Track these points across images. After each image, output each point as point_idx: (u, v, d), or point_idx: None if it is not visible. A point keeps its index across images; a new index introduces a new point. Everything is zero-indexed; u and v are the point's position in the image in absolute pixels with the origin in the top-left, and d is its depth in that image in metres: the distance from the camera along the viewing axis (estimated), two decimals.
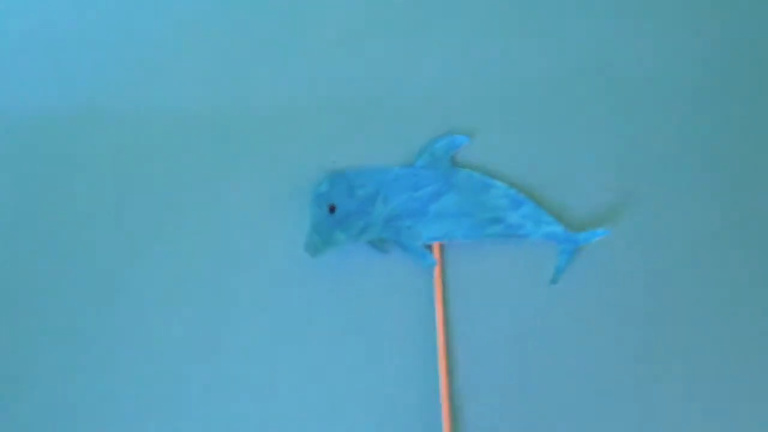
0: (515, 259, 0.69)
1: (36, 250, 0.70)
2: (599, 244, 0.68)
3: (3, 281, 0.69)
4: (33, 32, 0.74)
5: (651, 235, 0.69)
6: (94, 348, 0.68)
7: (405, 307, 0.68)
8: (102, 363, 0.67)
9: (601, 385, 0.67)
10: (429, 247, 0.69)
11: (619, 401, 0.66)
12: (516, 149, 0.71)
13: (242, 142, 0.71)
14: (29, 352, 0.68)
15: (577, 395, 0.66)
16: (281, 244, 0.69)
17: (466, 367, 0.67)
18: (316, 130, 0.71)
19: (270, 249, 0.69)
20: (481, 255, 0.69)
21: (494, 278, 0.69)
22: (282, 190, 0.70)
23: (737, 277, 0.69)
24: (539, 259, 0.69)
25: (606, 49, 0.73)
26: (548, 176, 0.70)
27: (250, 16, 0.74)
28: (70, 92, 0.72)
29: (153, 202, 0.70)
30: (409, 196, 0.69)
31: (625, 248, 0.69)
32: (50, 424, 0.66)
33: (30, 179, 0.71)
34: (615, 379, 0.67)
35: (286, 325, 0.68)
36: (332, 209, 0.69)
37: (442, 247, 0.69)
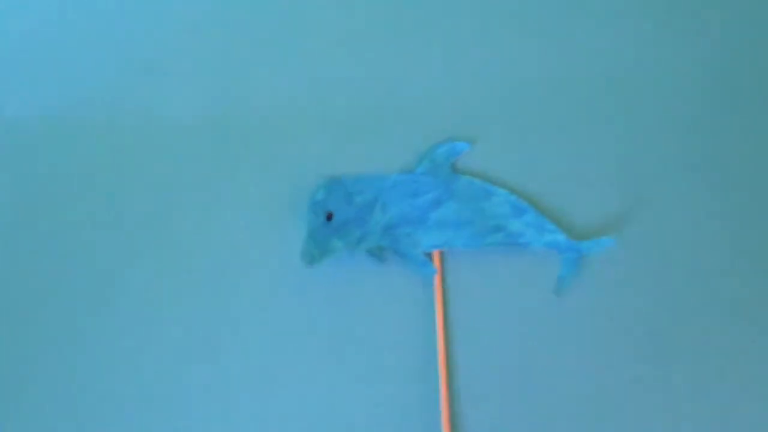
0: (517, 268, 0.68)
1: (34, 255, 0.69)
2: (604, 253, 0.67)
3: (2, 283, 0.69)
4: (33, 34, 0.74)
5: (658, 244, 0.68)
6: (90, 352, 0.67)
7: (404, 317, 0.67)
8: (98, 368, 0.66)
9: (606, 401, 0.65)
10: (429, 256, 0.68)
11: (624, 417, 0.65)
12: (518, 155, 0.70)
13: (240, 148, 0.71)
14: (27, 356, 0.67)
15: (580, 410, 0.65)
16: (278, 252, 0.68)
17: (467, 379, 0.66)
18: (315, 136, 0.71)
19: (266, 257, 0.68)
20: (481, 264, 0.68)
21: (495, 288, 0.67)
22: (279, 196, 0.69)
23: (748, 287, 0.67)
24: (541, 268, 0.68)
25: (610, 54, 0.72)
26: (551, 183, 0.69)
27: (249, 20, 0.74)
28: (67, 94, 0.72)
29: (149, 207, 0.69)
30: (409, 204, 0.68)
31: (630, 257, 0.67)
32: (48, 426, 0.65)
33: (28, 182, 0.71)
34: (620, 394, 0.65)
35: (283, 334, 0.67)
36: (329, 217, 0.67)
37: (442, 256, 0.68)
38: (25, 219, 0.70)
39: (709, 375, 0.65)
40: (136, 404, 0.66)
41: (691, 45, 0.72)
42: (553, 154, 0.70)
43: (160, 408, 0.66)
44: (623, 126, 0.70)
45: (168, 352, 0.67)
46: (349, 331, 0.67)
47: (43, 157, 0.71)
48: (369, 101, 0.71)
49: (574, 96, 0.71)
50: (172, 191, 0.70)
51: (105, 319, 0.67)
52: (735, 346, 0.66)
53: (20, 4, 0.74)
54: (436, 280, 0.67)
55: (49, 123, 0.72)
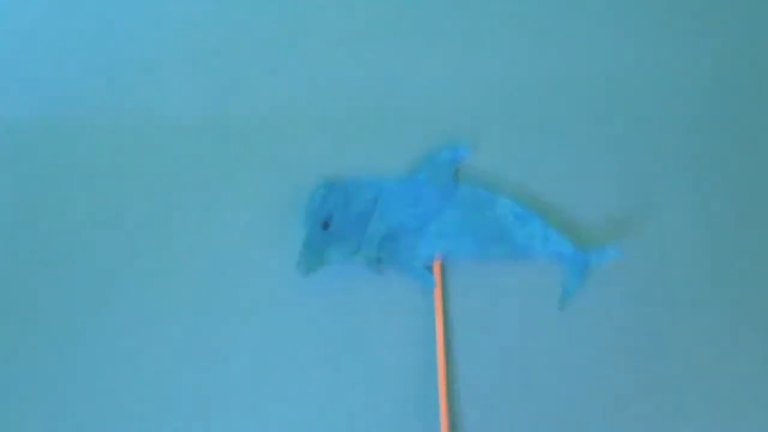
0: (521, 280, 0.66)
1: (29, 256, 0.69)
2: (611, 264, 0.65)
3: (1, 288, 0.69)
4: (32, 34, 0.74)
5: (666, 251, 0.66)
6: (87, 355, 0.66)
7: (403, 330, 0.65)
8: (95, 372, 0.66)
9: (612, 417, 0.64)
10: (429, 267, 0.66)
11: None
12: (521, 160, 0.69)
13: (239, 149, 0.70)
14: (22, 357, 0.66)
15: (585, 427, 0.63)
16: (276, 258, 0.67)
17: (468, 394, 0.64)
18: (314, 137, 0.70)
19: (264, 262, 0.67)
20: (484, 275, 0.66)
21: (498, 300, 0.66)
22: (278, 199, 0.68)
23: (764, 298, 0.65)
24: (547, 280, 0.66)
25: (615, 56, 0.71)
26: (556, 190, 0.68)
27: (248, 21, 0.73)
28: (65, 94, 0.72)
29: (146, 208, 0.69)
30: (409, 212, 0.67)
31: (637, 266, 0.66)
32: (46, 425, 0.65)
33: (24, 184, 0.70)
34: (626, 409, 0.64)
35: (279, 343, 0.66)
36: (326, 225, 0.66)
37: (443, 267, 0.66)
38: (21, 221, 0.70)
39: (720, 389, 0.64)
40: (132, 408, 0.65)
41: (699, 46, 0.71)
42: (558, 159, 0.69)
43: (157, 413, 0.65)
44: (630, 130, 0.69)
45: (164, 357, 0.66)
46: (346, 344, 0.65)
47: (40, 158, 0.71)
48: (369, 102, 0.70)
49: (578, 99, 0.70)
50: (168, 193, 0.69)
51: (102, 321, 0.67)
52: (748, 359, 0.64)
53: (18, 4, 0.75)
54: (437, 292, 0.65)
55: (46, 123, 0.72)
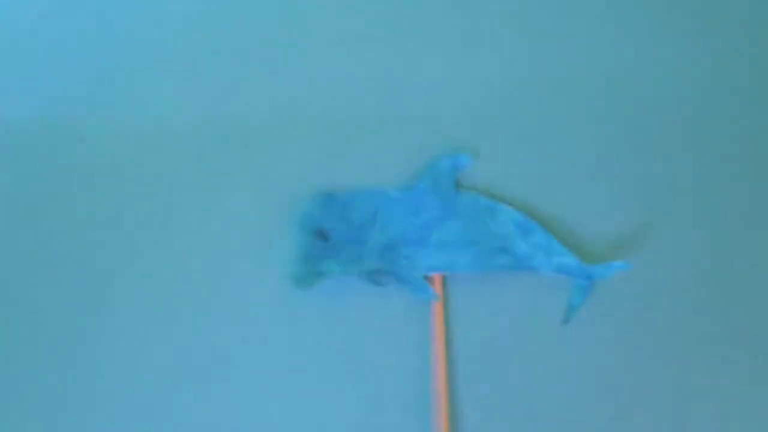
0: (524, 293, 0.65)
1: (13, 268, 0.67)
2: (618, 278, 0.64)
3: None
4: (28, 35, 0.73)
5: (675, 266, 0.65)
6: (74, 377, 0.65)
7: (402, 345, 0.64)
8: (86, 394, 0.64)
9: None
10: (429, 280, 0.65)
11: None
12: (524, 168, 0.67)
13: (232, 158, 0.68)
14: (13, 370, 0.65)
15: None
16: (270, 272, 0.65)
17: (469, 412, 0.63)
18: (311, 146, 0.68)
19: (258, 276, 0.65)
20: (486, 288, 0.65)
21: (500, 314, 0.64)
22: (272, 212, 0.66)
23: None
24: (550, 294, 0.64)
25: (623, 62, 0.70)
26: (560, 200, 0.67)
27: (243, 26, 0.72)
28: (61, 98, 0.71)
29: (137, 218, 0.68)
30: (409, 222, 0.65)
31: (645, 280, 0.65)
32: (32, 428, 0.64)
33: (19, 190, 0.69)
34: (633, 430, 0.62)
35: (274, 359, 0.64)
36: (323, 236, 0.64)
37: (443, 280, 0.65)
38: (14, 223, 0.68)
39: (728, 407, 0.63)
40: (126, 416, 0.63)
41: (708, 51, 0.70)
42: (562, 168, 0.67)
43: (151, 423, 0.63)
44: (638, 138, 0.68)
45: (155, 376, 0.64)
46: (342, 359, 0.64)
47: (36, 160, 0.70)
48: (368, 109, 0.69)
49: (583, 106, 0.69)
50: (157, 204, 0.68)
51: (94, 328, 0.65)
52: (757, 375, 0.63)
53: (16, 4, 0.73)
54: (437, 305, 0.64)
55: (42, 124, 0.71)
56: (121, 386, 0.64)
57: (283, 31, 0.71)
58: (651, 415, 0.62)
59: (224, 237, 0.66)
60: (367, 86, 0.69)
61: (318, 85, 0.69)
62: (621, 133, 0.68)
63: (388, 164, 0.67)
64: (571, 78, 0.69)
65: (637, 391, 0.63)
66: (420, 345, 0.64)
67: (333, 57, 0.70)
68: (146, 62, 0.71)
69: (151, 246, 0.66)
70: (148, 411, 0.63)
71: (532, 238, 0.65)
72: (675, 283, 0.65)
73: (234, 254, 0.66)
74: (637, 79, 0.69)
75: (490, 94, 0.69)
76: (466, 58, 0.70)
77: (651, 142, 0.68)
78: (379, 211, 0.65)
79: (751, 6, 0.70)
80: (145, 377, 0.64)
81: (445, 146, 0.68)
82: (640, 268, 0.64)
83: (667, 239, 0.66)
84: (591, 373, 0.63)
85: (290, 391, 0.63)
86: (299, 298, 0.64)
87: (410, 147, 0.68)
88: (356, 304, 0.64)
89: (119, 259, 0.66)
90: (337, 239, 0.64)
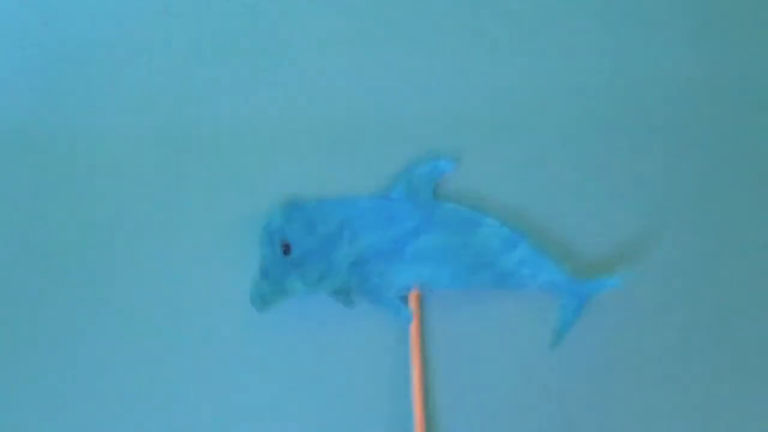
0: (509, 313, 0.61)
1: None
2: (612, 295, 0.61)
3: None
4: None
5: (674, 281, 0.62)
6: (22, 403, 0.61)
7: (375, 372, 0.60)
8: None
9: None
10: (404, 298, 0.61)
11: None
12: (510, 176, 0.64)
13: (192, 167, 0.64)
14: None
15: None
16: (228, 291, 0.61)
17: None
18: (273, 152, 0.64)
19: (214, 297, 0.61)
20: (467, 308, 0.61)
21: (483, 336, 0.61)
22: (231, 224, 0.63)
23: None
24: (538, 313, 0.61)
25: (619, 59, 0.66)
26: (550, 211, 0.63)
27: (208, 25, 0.66)
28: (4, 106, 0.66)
29: (80, 233, 0.63)
30: (382, 235, 0.61)
31: (642, 297, 0.62)
32: None
33: None
34: None
35: (232, 390, 0.60)
36: (286, 250, 0.60)
37: (420, 298, 0.61)
38: None
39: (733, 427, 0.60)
40: None
41: (709, 54, 0.66)
42: (551, 175, 0.64)
43: None
44: (634, 145, 0.65)
45: (103, 403, 0.60)
46: (309, 387, 0.60)
47: None
48: (336, 111, 0.65)
49: (576, 108, 0.65)
50: (107, 215, 0.63)
51: (24, 369, 0.61)
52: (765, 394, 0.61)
53: None
54: (413, 327, 0.60)
55: None
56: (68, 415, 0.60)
57: (250, 31, 0.66)
58: None
59: (179, 254, 0.62)
60: (335, 86, 0.65)
61: (281, 85, 0.65)
62: (616, 138, 0.65)
63: (359, 170, 0.63)
64: (563, 77, 0.66)
65: (635, 420, 0.60)
66: (395, 371, 0.60)
67: (302, 59, 0.66)
68: (95, 61, 0.66)
69: (93, 260, 0.62)
70: None
71: (518, 252, 0.61)
72: (676, 301, 0.62)
73: (184, 272, 0.62)
74: (638, 74, 0.66)
75: (473, 92, 0.65)
76: (445, 53, 0.66)
77: (648, 148, 0.65)
78: (349, 222, 0.61)
79: (752, 8, 0.67)
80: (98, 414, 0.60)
81: (422, 150, 0.64)
82: (637, 284, 0.61)
83: (666, 252, 0.63)
84: (583, 401, 0.60)
85: (250, 423, 0.60)
86: (258, 320, 0.60)
87: (383, 151, 0.64)
88: (323, 326, 0.61)
89: (54, 282, 0.62)
90: (302, 253, 0.60)
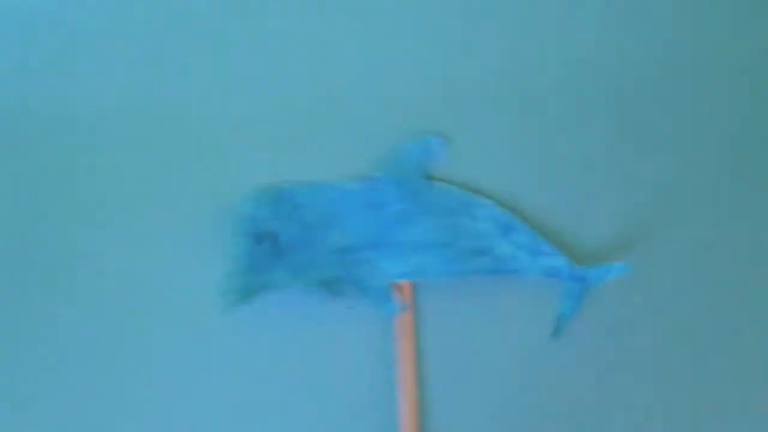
0: (506, 301, 0.59)
1: None
2: (616, 283, 0.59)
3: None
4: None
5: (676, 268, 0.60)
6: None
7: (366, 366, 0.58)
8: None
9: None
10: (396, 288, 0.58)
11: None
12: (505, 157, 0.61)
13: (159, 152, 0.61)
14: None
15: None
16: (205, 285, 0.58)
17: None
18: (253, 135, 0.61)
19: (190, 290, 0.59)
20: (462, 297, 0.59)
21: (479, 327, 0.59)
22: (208, 214, 0.60)
23: None
24: (537, 302, 0.59)
25: (620, 37, 0.64)
26: (549, 193, 0.61)
27: (177, 4, 0.63)
28: None
29: (46, 222, 0.60)
30: (369, 221, 0.59)
31: (644, 285, 0.60)
32: None
33: None
34: None
35: (209, 392, 0.58)
36: (268, 240, 0.57)
37: (412, 288, 0.59)
38: None
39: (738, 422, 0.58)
40: None
41: (709, 46, 0.64)
42: (551, 156, 0.62)
43: None
44: (636, 124, 0.62)
45: (66, 403, 0.58)
46: (294, 385, 0.58)
47: None
48: (320, 88, 0.62)
49: (576, 85, 0.63)
50: (75, 203, 0.60)
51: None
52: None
53: None
54: (405, 318, 0.58)
55: None
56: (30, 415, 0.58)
57: (224, 7, 0.63)
58: None
59: (149, 244, 0.59)
60: (319, 62, 0.62)
61: (261, 61, 0.62)
62: (619, 119, 0.62)
63: (344, 152, 0.61)
64: (562, 52, 0.63)
65: (637, 412, 0.58)
66: (386, 365, 0.58)
67: (278, 34, 0.63)
68: (63, 42, 0.62)
69: (63, 250, 0.59)
70: None
71: (516, 236, 0.59)
72: (681, 288, 0.60)
73: (161, 264, 0.59)
74: (639, 54, 0.64)
75: (464, 68, 0.62)
76: (436, 26, 0.63)
77: (653, 129, 0.62)
78: (334, 208, 0.59)
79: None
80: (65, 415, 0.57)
81: (411, 129, 0.61)
82: (642, 271, 0.59)
83: (672, 236, 0.61)
84: (584, 393, 0.58)
85: (230, 425, 0.57)
86: (241, 315, 0.57)
87: (371, 131, 0.61)
88: (309, 321, 0.58)
89: (24, 264, 0.59)
90: (285, 243, 0.57)
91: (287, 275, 0.56)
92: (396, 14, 0.63)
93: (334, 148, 0.61)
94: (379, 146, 0.61)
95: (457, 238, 0.58)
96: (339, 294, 0.57)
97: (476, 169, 0.61)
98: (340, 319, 0.58)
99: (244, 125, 0.61)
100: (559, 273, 0.58)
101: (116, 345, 0.58)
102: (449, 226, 0.59)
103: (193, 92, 0.61)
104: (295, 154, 0.61)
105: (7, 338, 0.58)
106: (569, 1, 0.63)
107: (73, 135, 0.61)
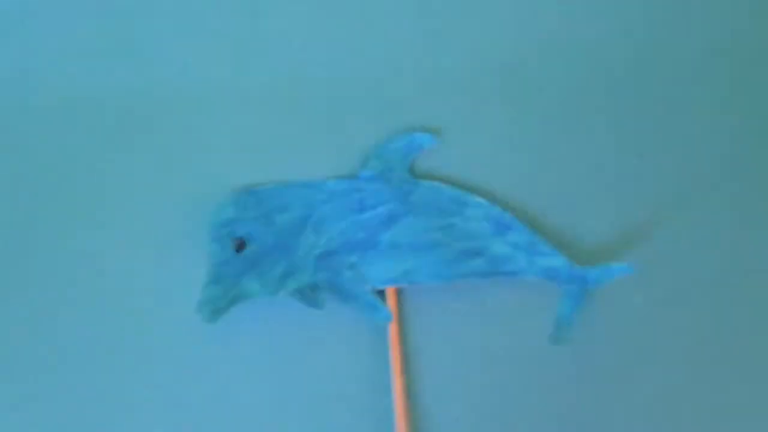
0: (502, 305, 0.57)
1: None
2: (618, 284, 0.56)
3: None
4: None
5: (682, 269, 0.58)
6: None
7: (350, 380, 0.55)
8: None
9: None
10: (381, 295, 0.56)
11: None
12: (500, 153, 0.59)
13: (123, 147, 0.59)
14: None
15: None
16: (176, 294, 0.56)
17: None
18: (224, 130, 0.59)
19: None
20: (454, 302, 0.56)
21: (473, 334, 0.56)
22: (181, 217, 0.58)
23: None
24: (534, 305, 0.57)
25: (623, 24, 0.62)
26: (546, 190, 0.59)
27: None
28: None
29: (14, 215, 0.58)
30: (353, 222, 0.56)
31: (648, 287, 0.57)
32: None
33: None
34: None
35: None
36: (240, 246, 0.55)
37: (399, 294, 0.56)
38: None
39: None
40: None
41: (710, 42, 0.62)
42: (548, 152, 0.59)
43: None
44: (640, 115, 0.60)
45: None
46: (276, 400, 0.55)
47: None
48: (298, 83, 0.59)
49: (575, 77, 0.60)
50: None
51: None
52: None
53: None
54: (392, 327, 0.55)
55: None
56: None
57: (205, 3, 0.61)
58: None
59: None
60: (300, 55, 0.60)
61: (241, 56, 0.60)
62: (622, 112, 0.60)
63: (324, 148, 0.58)
64: (560, 43, 0.61)
65: (640, 420, 0.56)
66: (372, 378, 0.55)
67: (259, 25, 0.60)
68: (29, 25, 0.61)
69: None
70: None
71: (511, 236, 0.56)
72: (686, 290, 0.57)
73: (124, 273, 0.57)
74: (642, 41, 0.61)
75: (456, 58, 0.60)
76: (425, 16, 0.61)
77: (657, 122, 0.60)
78: (313, 209, 0.56)
79: None
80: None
81: (397, 123, 0.59)
82: (645, 272, 0.57)
83: (676, 236, 0.58)
84: (583, 402, 0.56)
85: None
86: (211, 330, 0.55)
87: (354, 126, 0.59)
88: (287, 333, 0.56)
89: None
90: (258, 249, 0.54)
91: (261, 285, 0.53)
92: (383, 4, 0.60)
93: (316, 145, 0.58)
94: (363, 142, 0.58)
95: (449, 239, 0.56)
96: (317, 305, 0.55)
97: (469, 165, 0.59)
98: (324, 330, 0.56)
99: (216, 122, 0.59)
100: (558, 274, 0.55)
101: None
102: (440, 226, 0.56)
103: (166, 86, 0.59)
104: (270, 152, 0.58)
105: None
106: None
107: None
